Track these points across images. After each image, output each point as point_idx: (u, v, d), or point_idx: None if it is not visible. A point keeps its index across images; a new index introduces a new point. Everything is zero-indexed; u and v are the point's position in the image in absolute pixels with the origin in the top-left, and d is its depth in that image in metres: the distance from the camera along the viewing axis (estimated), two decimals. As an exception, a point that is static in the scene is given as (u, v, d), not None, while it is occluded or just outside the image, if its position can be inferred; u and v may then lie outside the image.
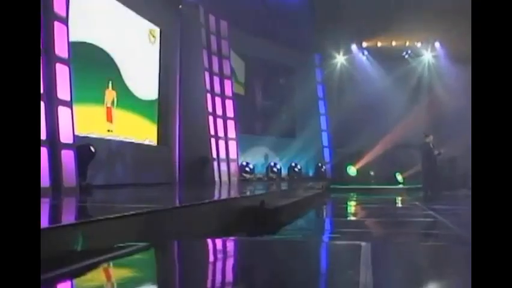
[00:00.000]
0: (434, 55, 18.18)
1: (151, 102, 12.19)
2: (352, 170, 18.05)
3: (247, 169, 15.42)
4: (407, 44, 18.12)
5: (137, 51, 11.50)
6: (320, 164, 18.50)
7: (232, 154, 13.93)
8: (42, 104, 6.42)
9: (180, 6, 13.41)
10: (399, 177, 17.33)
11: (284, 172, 17.40)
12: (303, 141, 17.99)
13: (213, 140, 13.07)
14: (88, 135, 8.74)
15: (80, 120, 7.97)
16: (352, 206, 10.64)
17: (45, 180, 6.38)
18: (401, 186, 16.32)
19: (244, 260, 3.89)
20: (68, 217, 4.99)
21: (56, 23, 7.00)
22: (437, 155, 12.44)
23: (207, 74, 13.16)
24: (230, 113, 14.01)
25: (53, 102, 6.87)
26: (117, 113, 10.47)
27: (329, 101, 18.65)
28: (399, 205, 11.35)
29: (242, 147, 14.77)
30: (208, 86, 13.14)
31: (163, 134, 12.60)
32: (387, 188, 15.99)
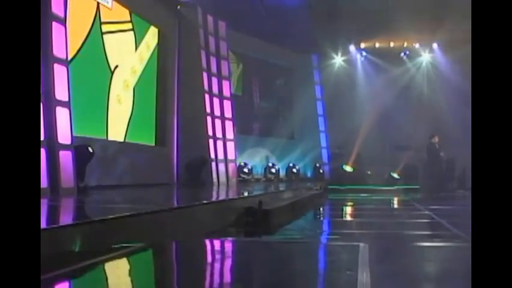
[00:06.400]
0: (432, 56, 18.20)
1: (149, 102, 12.18)
2: (348, 168, 18.04)
3: (245, 170, 15.42)
4: (405, 44, 18.13)
5: (136, 51, 11.49)
6: (318, 165, 18.50)
7: (231, 155, 13.93)
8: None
9: (179, 7, 13.41)
10: (395, 175, 17.37)
11: (282, 173, 17.41)
12: (301, 142, 18.00)
13: (211, 141, 13.07)
14: (86, 136, 8.71)
15: (79, 120, 7.94)
16: (350, 207, 10.64)
17: (43, 181, 6.36)
18: (397, 187, 16.33)
19: (242, 261, 3.90)
20: (66, 218, 4.98)
21: (54, 24, 6.98)
22: (443, 156, 12.50)
23: (205, 75, 13.16)
24: (228, 113, 14.01)
25: (51, 103, 6.85)
26: (115, 113, 10.46)
27: (327, 101, 18.65)
28: (397, 206, 11.36)
29: (240, 148, 14.77)
30: (206, 87, 13.14)
31: (161, 134, 12.60)
32: (385, 188, 16.01)
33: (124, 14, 10.95)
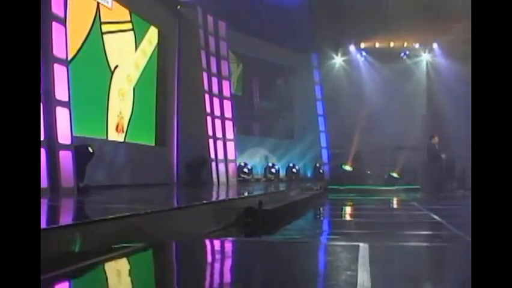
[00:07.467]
0: (432, 56, 18.19)
1: (149, 102, 12.18)
2: (348, 168, 18.04)
3: (245, 170, 15.43)
4: (405, 44, 18.12)
5: (136, 51, 11.49)
6: (318, 165, 18.50)
7: (230, 155, 13.93)
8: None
9: (179, 7, 13.41)
10: (395, 175, 17.37)
11: (282, 173, 17.41)
12: (301, 142, 18.00)
13: (211, 141, 13.07)
14: (86, 136, 8.71)
15: (79, 120, 7.93)
16: (349, 207, 10.64)
17: (43, 181, 6.35)
18: (397, 187, 16.33)
19: (242, 261, 3.90)
20: (66, 218, 4.98)
21: (54, 24, 6.98)
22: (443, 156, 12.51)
23: (205, 75, 13.16)
24: (228, 113, 14.01)
25: (51, 103, 6.85)
26: (115, 113, 10.45)
27: (327, 101, 18.64)
28: (397, 206, 11.35)
29: (240, 148, 14.77)
30: (206, 87, 13.14)
31: (161, 134, 12.60)
32: (385, 188, 16.00)
33: (124, 14, 10.95)
